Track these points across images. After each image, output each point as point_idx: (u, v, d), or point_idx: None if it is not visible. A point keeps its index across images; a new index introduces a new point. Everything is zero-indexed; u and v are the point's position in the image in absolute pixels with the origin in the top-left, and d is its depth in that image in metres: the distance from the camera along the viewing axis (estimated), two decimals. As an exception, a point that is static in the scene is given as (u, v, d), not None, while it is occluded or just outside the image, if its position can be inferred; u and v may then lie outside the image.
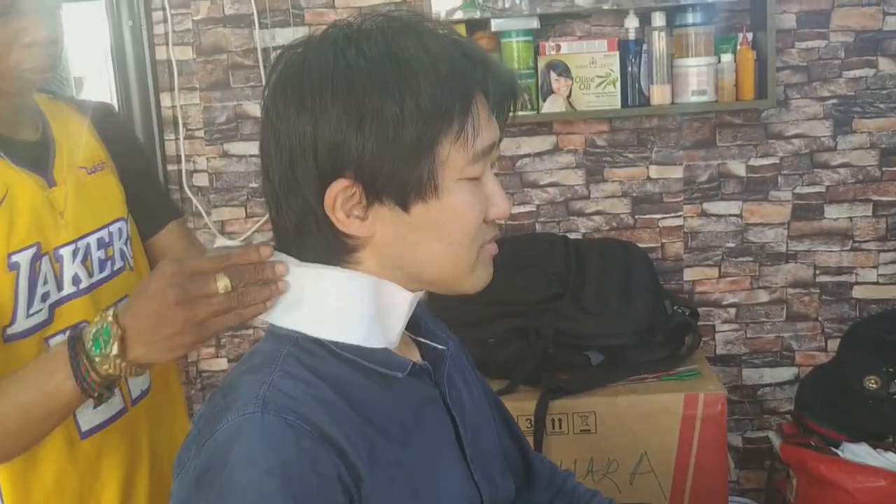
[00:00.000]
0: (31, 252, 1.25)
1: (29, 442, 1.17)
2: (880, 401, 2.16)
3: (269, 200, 0.96)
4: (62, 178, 1.33)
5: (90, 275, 1.34)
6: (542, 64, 2.43)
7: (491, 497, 1.05)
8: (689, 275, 2.61)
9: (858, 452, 2.14)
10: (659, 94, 2.42)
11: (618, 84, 2.42)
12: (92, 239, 1.35)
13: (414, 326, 1.07)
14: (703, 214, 2.58)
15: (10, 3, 1.19)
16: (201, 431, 0.88)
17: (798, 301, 2.60)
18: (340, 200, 0.89)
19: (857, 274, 2.57)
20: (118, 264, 1.40)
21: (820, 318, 2.60)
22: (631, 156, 2.57)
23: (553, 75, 2.42)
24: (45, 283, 1.28)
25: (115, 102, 2.63)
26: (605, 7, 2.41)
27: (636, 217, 2.60)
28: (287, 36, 2.56)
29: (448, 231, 0.92)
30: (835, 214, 2.55)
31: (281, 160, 0.90)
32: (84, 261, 1.33)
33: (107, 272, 1.37)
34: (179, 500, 0.88)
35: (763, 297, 2.60)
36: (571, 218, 2.60)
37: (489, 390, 1.23)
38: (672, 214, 2.59)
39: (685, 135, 2.55)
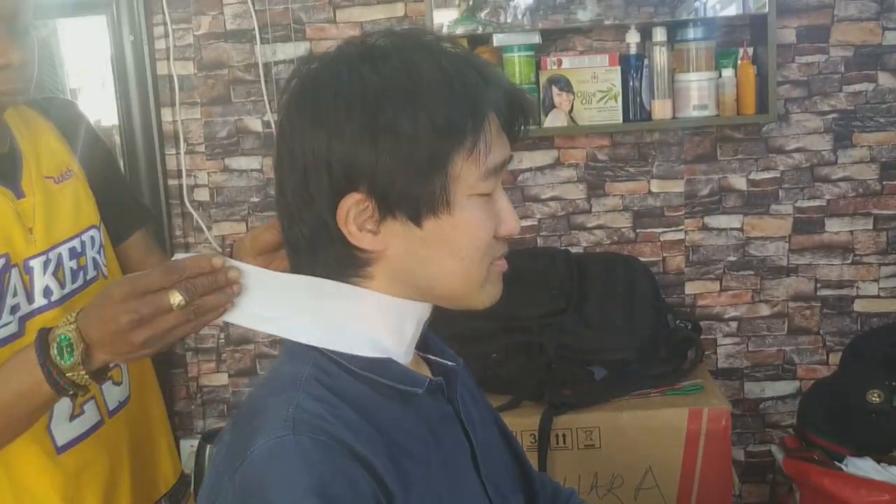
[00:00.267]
0: None
1: (10, 438, 1.17)
2: (883, 415, 2.16)
3: (281, 215, 0.96)
4: (31, 189, 1.31)
5: (62, 286, 1.32)
6: (543, 79, 2.43)
7: None
8: (690, 288, 2.62)
9: (862, 467, 2.14)
10: (660, 109, 2.42)
11: (619, 99, 2.42)
12: (63, 249, 1.34)
13: (422, 344, 1.06)
14: (705, 228, 2.59)
15: None
16: (231, 458, 0.86)
17: (799, 315, 2.60)
18: (353, 214, 0.89)
19: (858, 287, 2.58)
20: (91, 273, 1.39)
21: (821, 332, 2.61)
22: (632, 170, 2.57)
23: (555, 90, 2.42)
24: (15, 294, 1.26)
25: (116, 117, 2.63)
26: (607, 22, 2.42)
27: (637, 231, 2.60)
28: (288, 51, 2.57)
29: (459, 246, 0.93)
30: (836, 228, 2.55)
31: (295, 174, 0.91)
32: (56, 272, 1.32)
33: (79, 282, 1.36)
34: None
35: (764, 310, 2.61)
36: (573, 232, 2.61)
37: (491, 408, 1.23)
38: (673, 228, 2.59)
39: (686, 149, 2.55)
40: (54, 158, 1.39)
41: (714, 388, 2.21)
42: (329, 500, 0.80)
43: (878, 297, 2.58)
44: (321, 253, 0.94)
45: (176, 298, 0.97)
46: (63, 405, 1.27)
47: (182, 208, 2.66)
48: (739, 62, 2.42)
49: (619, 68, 2.42)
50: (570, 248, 2.57)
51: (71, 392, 1.08)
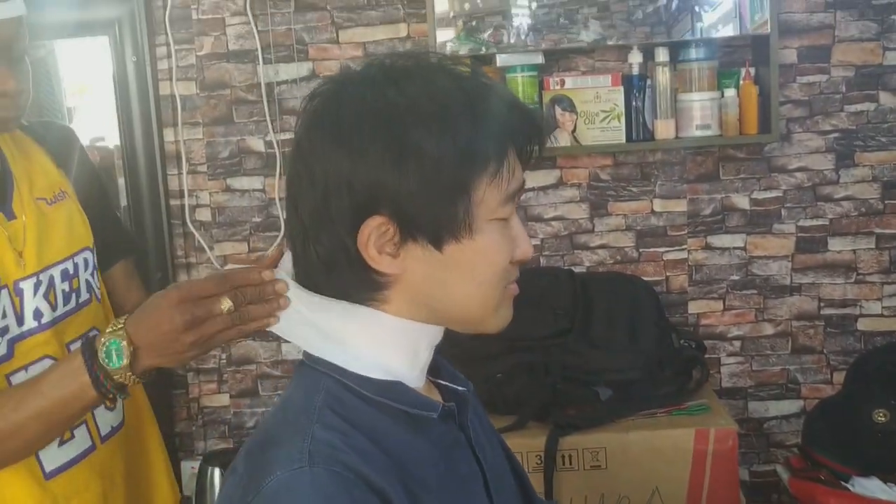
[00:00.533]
0: None
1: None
2: (890, 434, 2.15)
3: (293, 234, 0.94)
4: (22, 211, 1.31)
5: (53, 308, 1.33)
6: (546, 99, 2.44)
7: None
8: (693, 308, 2.61)
9: (869, 487, 2.12)
10: (663, 129, 2.43)
11: (622, 119, 2.43)
12: (55, 270, 1.34)
13: (432, 368, 1.06)
14: (708, 247, 2.59)
15: None
16: (245, 490, 0.85)
17: (803, 333, 2.60)
18: (374, 237, 0.88)
19: (861, 306, 2.58)
20: (84, 296, 1.39)
21: (825, 351, 2.60)
22: (635, 189, 2.58)
23: (558, 110, 2.43)
24: (4, 316, 1.26)
25: (118, 137, 2.63)
26: (610, 42, 2.42)
27: (640, 250, 2.60)
28: (291, 71, 2.57)
29: (479, 271, 0.92)
30: (838, 247, 2.56)
31: (314, 195, 0.89)
32: (47, 294, 1.32)
33: (72, 305, 1.36)
34: None
35: (768, 329, 2.60)
36: (576, 252, 2.60)
37: (495, 430, 1.22)
38: (676, 248, 2.59)
39: (689, 168, 2.56)
40: (47, 180, 1.39)
41: (720, 407, 2.20)
42: None
43: (881, 315, 2.58)
44: (336, 275, 0.93)
45: (226, 304, 1.04)
46: None
47: (184, 228, 2.65)
48: (742, 82, 2.43)
49: (622, 88, 2.43)
50: (573, 268, 2.57)
51: (111, 395, 1.13)
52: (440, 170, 0.87)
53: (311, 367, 0.95)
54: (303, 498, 0.81)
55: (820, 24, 2.48)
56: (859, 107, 2.51)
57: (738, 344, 2.62)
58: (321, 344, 0.95)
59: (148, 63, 2.56)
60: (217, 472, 2.50)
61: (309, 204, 0.90)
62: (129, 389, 1.15)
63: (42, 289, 1.32)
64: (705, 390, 2.28)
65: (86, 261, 1.41)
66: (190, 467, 2.64)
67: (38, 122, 1.53)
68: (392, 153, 0.86)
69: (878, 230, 2.55)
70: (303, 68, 2.57)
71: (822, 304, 2.59)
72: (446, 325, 0.98)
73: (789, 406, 2.63)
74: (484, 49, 2.42)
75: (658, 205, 2.58)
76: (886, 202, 2.53)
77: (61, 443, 1.32)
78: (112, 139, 2.73)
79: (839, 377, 2.56)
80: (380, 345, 0.94)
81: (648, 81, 2.44)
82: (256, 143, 2.62)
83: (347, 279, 0.92)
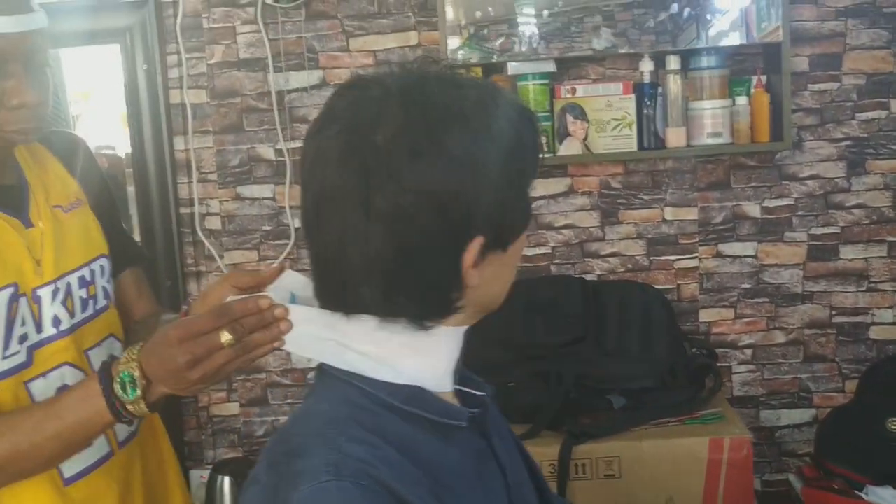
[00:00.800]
0: (7, 292, 1.24)
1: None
2: (904, 443, 2.15)
3: (379, 269, 0.86)
4: (39, 219, 1.32)
5: (71, 315, 1.33)
6: (557, 107, 2.44)
7: None
8: (704, 316, 2.61)
9: (884, 496, 2.12)
10: (674, 137, 2.43)
11: (634, 127, 2.43)
12: (73, 278, 1.34)
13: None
14: (719, 256, 2.58)
15: None
16: (270, 501, 0.85)
17: (815, 342, 2.59)
18: (474, 256, 0.88)
19: (873, 315, 2.57)
20: (101, 303, 1.39)
21: (837, 359, 2.60)
22: (646, 197, 2.57)
23: (569, 118, 2.43)
24: (23, 324, 1.26)
25: (128, 145, 2.63)
26: (622, 51, 2.43)
27: (651, 259, 2.59)
28: (301, 79, 2.57)
29: (518, 256, 0.96)
30: (850, 255, 2.55)
31: (423, 215, 0.84)
32: (65, 301, 1.32)
33: (89, 311, 1.37)
34: None
35: (779, 338, 2.60)
36: (587, 260, 2.60)
37: (513, 434, 1.21)
38: (687, 256, 2.59)
39: (699, 176, 2.56)
40: (63, 188, 1.40)
41: (734, 416, 2.20)
42: None
43: (893, 324, 2.57)
44: (425, 297, 0.90)
45: (226, 337, 1.04)
46: None
47: (194, 237, 2.64)
48: (753, 90, 2.43)
49: (633, 96, 2.43)
50: (584, 276, 2.56)
51: (126, 419, 1.15)
52: (527, 184, 0.92)
53: (334, 376, 0.94)
54: None
55: (831, 32, 2.48)
56: (871, 115, 2.50)
57: (749, 352, 2.61)
58: (342, 356, 0.94)
59: (159, 71, 2.56)
60: (227, 480, 2.50)
61: (409, 222, 0.84)
62: (144, 415, 1.16)
63: (60, 296, 1.32)
64: (718, 399, 2.27)
65: (102, 268, 1.41)
66: (199, 476, 2.63)
67: (51, 131, 1.53)
68: (502, 173, 0.87)
69: (889, 238, 2.54)
70: (313, 76, 2.57)
71: (833, 313, 2.58)
72: (477, 317, 0.98)
73: (801, 415, 2.62)
74: (495, 57, 2.42)
75: (669, 213, 2.58)
76: (898, 210, 2.54)
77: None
78: (119, 146, 2.73)
79: (851, 386, 2.55)
80: (420, 354, 0.93)
81: (659, 89, 2.44)
82: (267, 152, 2.62)
83: (432, 302, 0.90)
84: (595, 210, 2.58)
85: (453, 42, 2.43)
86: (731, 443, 2.07)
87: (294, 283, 1.09)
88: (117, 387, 1.13)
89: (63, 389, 1.30)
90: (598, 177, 2.57)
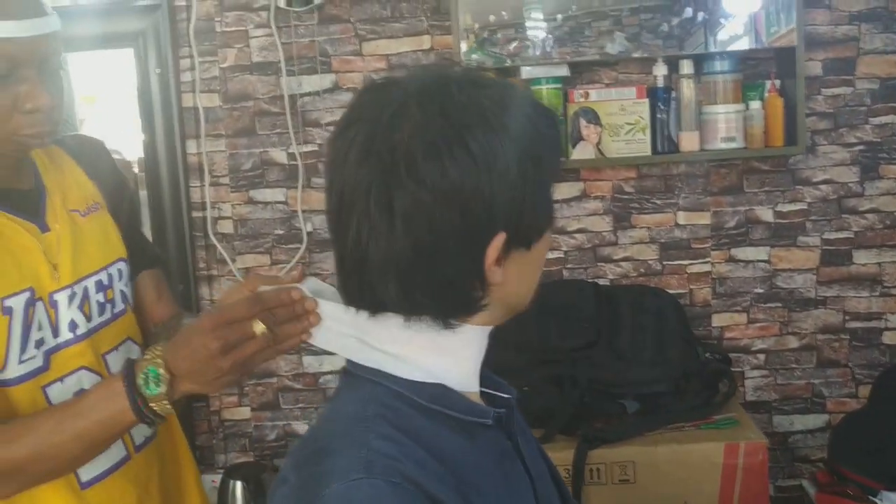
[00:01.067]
0: (24, 297, 1.25)
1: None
2: (919, 449, 2.14)
3: (376, 248, 0.86)
4: (56, 223, 1.32)
5: (88, 319, 1.33)
6: (571, 111, 2.44)
7: None
8: (717, 321, 2.60)
9: (899, 501, 2.11)
10: (688, 141, 2.42)
11: (647, 131, 2.42)
12: (90, 282, 1.34)
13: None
14: (731, 260, 2.58)
15: (12, 69, 1.20)
16: (299, 500, 0.84)
17: (828, 347, 2.58)
18: (495, 255, 0.88)
19: (886, 319, 2.56)
20: (119, 307, 1.40)
21: (850, 364, 2.59)
22: (658, 202, 2.57)
23: (582, 122, 2.43)
24: (40, 328, 1.27)
25: (134, 148, 2.63)
26: (636, 55, 2.42)
27: (664, 263, 2.59)
28: (314, 83, 2.57)
29: (543, 257, 0.96)
30: (863, 260, 2.55)
31: (446, 214, 0.84)
32: (82, 305, 1.32)
33: (107, 315, 1.37)
34: None
35: (793, 343, 2.59)
36: (599, 264, 2.60)
37: (538, 442, 1.21)
38: (700, 260, 2.58)
39: (712, 181, 2.55)
40: (81, 192, 1.40)
41: (749, 421, 2.19)
42: None
43: (906, 329, 2.57)
44: (446, 295, 0.89)
45: (259, 327, 1.06)
46: None
47: (206, 240, 2.64)
48: (767, 94, 2.42)
49: (647, 101, 2.42)
50: (596, 281, 2.56)
51: (149, 419, 1.15)
52: (550, 182, 0.91)
53: (359, 376, 0.94)
54: None
55: (845, 36, 2.48)
56: (884, 119, 2.50)
57: (762, 357, 2.60)
58: (367, 353, 0.94)
59: (172, 75, 2.56)
60: (239, 485, 2.49)
61: (426, 220, 0.84)
62: (166, 415, 1.17)
63: (77, 300, 1.32)
64: (732, 404, 2.26)
65: (120, 271, 1.41)
66: (211, 480, 2.62)
67: (70, 135, 1.53)
68: (525, 171, 0.86)
69: (903, 243, 2.54)
70: (326, 80, 2.57)
71: (847, 318, 2.57)
72: (504, 318, 0.97)
73: (814, 420, 2.61)
74: (509, 61, 2.42)
75: (682, 217, 2.57)
76: (912, 215, 2.53)
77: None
78: (125, 150, 2.72)
79: (864, 391, 2.54)
80: (448, 355, 0.93)
81: (673, 94, 2.44)
82: (279, 155, 2.62)
83: (456, 298, 0.90)
84: (608, 214, 2.58)
85: (465, 46, 2.43)
86: (747, 448, 2.06)
87: (314, 288, 1.08)
88: (140, 383, 1.13)
89: (80, 394, 1.30)
90: (610, 181, 2.57)
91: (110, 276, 1.39)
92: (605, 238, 2.59)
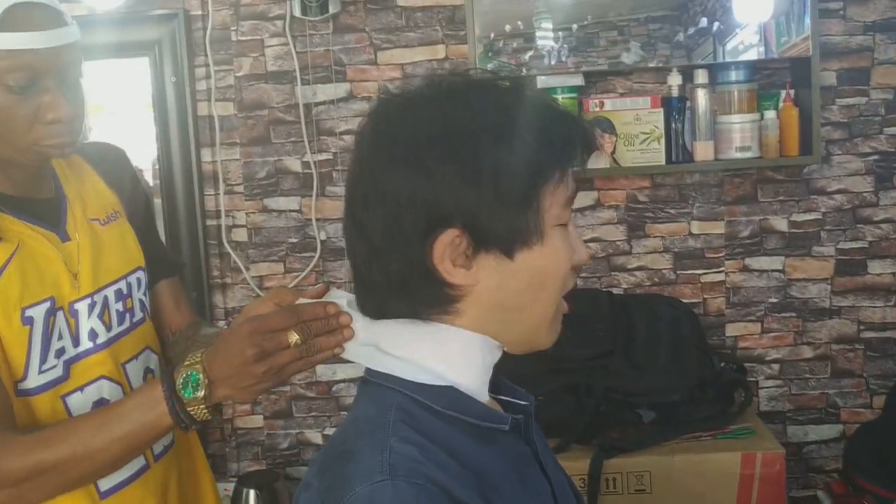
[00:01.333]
0: (45, 306, 1.25)
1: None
2: (935, 459, 2.13)
3: (357, 258, 0.95)
4: (75, 232, 1.33)
5: (108, 329, 1.33)
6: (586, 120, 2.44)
7: None
8: (731, 330, 2.60)
9: (916, 512, 2.10)
10: (702, 151, 2.43)
11: (662, 140, 2.43)
12: (110, 291, 1.35)
13: (492, 385, 1.05)
14: (746, 270, 2.58)
15: (33, 80, 1.20)
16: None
17: (842, 357, 2.58)
18: (448, 251, 0.89)
19: (901, 330, 2.56)
20: (138, 316, 1.40)
21: (865, 375, 2.58)
22: (672, 211, 2.57)
23: (597, 132, 2.43)
24: (60, 338, 1.27)
25: (155, 156, 2.64)
26: (651, 65, 2.43)
27: (678, 272, 2.59)
28: (329, 92, 2.58)
29: (547, 276, 0.93)
30: (878, 270, 2.54)
31: (384, 214, 0.90)
32: (102, 314, 1.33)
33: (126, 325, 1.37)
34: None
35: (807, 353, 2.59)
36: (613, 273, 2.60)
37: (551, 450, 1.21)
38: (714, 270, 2.58)
39: (726, 190, 2.55)
40: (100, 201, 1.40)
41: (765, 431, 2.19)
42: None
43: (921, 339, 2.56)
44: (407, 293, 0.93)
45: (293, 337, 1.08)
46: None
47: (220, 249, 2.65)
48: (782, 104, 2.43)
49: (661, 110, 2.43)
50: (610, 290, 2.56)
51: (184, 424, 1.17)
52: (511, 182, 0.89)
53: (378, 384, 0.95)
54: None
55: (859, 46, 2.48)
56: (899, 129, 2.51)
57: (776, 367, 2.60)
58: (380, 358, 0.96)
59: (187, 83, 2.57)
60: (252, 493, 2.49)
61: (379, 224, 0.91)
62: (202, 420, 1.18)
63: (97, 309, 1.33)
64: (748, 413, 2.26)
65: (139, 280, 1.42)
66: (223, 489, 2.62)
67: (90, 143, 1.54)
68: (463, 169, 0.88)
69: (918, 253, 2.54)
70: (340, 89, 2.58)
71: (861, 328, 2.57)
72: (509, 338, 0.97)
73: (829, 430, 2.61)
74: (524, 71, 2.42)
75: (696, 227, 2.57)
76: (927, 225, 2.53)
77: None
78: (139, 158, 2.73)
79: (879, 401, 2.54)
80: (449, 359, 0.94)
81: (688, 103, 2.44)
82: (294, 164, 2.62)
83: (419, 296, 0.92)
84: (622, 224, 2.58)
85: (484, 56, 2.44)
86: (764, 458, 2.06)
87: (338, 299, 1.10)
88: (179, 387, 1.15)
89: (100, 403, 1.31)
90: (624, 190, 2.57)
91: (129, 285, 1.39)
92: (619, 247, 2.59)
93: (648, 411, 2.21)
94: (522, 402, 1.05)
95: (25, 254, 1.25)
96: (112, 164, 1.47)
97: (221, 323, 2.63)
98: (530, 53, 2.42)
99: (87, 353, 1.31)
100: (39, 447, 1.17)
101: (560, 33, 2.43)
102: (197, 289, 2.62)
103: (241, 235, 2.66)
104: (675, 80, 2.44)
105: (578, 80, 2.43)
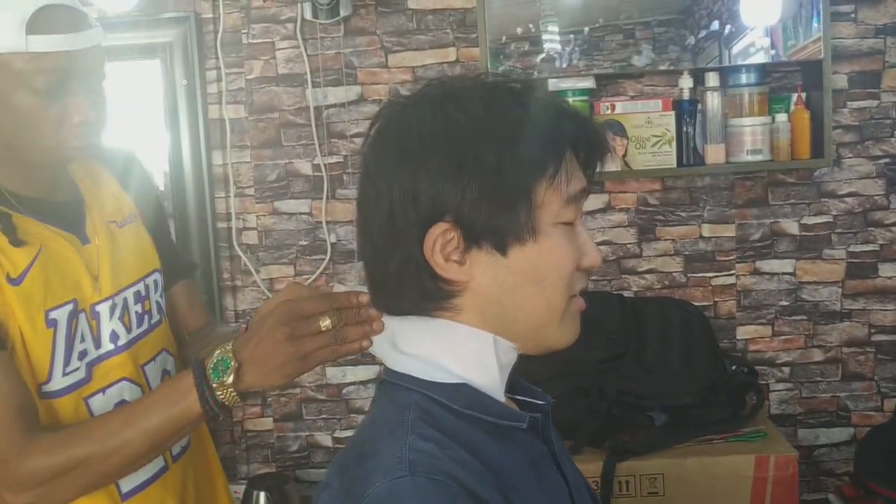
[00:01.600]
0: (68, 309, 1.26)
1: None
2: (948, 462, 2.13)
3: (366, 255, 0.97)
4: (95, 235, 1.33)
5: (128, 330, 1.34)
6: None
7: None
8: (742, 333, 2.60)
9: (928, 516, 2.10)
10: (713, 154, 2.43)
11: (674, 143, 2.43)
12: (129, 293, 1.35)
13: (509, 385, 1.06)
14: (756, 272, 2.58)
15: (59, 84, 1.20)
16: (344, 502, 0.86)
17: (853, 360, 2.58)
18: (439, 245, 0.91)
19: (912, 333, 2.56)
20: (155, 318, 1.41)
21: (876, 378, 2.58)
22: (683, 214, 2.57)
23: (609, 135, 2.43)
24: (83, 340, 1.28)
25: (167, 159, 2.64)
26: (662, 67, 2.43)
27: (688, 275, 2.59)
28: (339, 95, 2.58)
29: (544, 274, 0.93)
30: (889, 273, 2.54)
31: (381, 211, 0.93)
32: (122, 316, 1.34)
33: (145, 326, 1.38)
34: None
35: (818, 355, 2.58)
36: (623, 276, 2.60)
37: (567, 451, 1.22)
38: (724, 273, 2.58)
39: (737, 193, 2.55)
40: (116, 203, 1.41)
41: (778, 434, 2.18)
42: None
43: (933, 342, 2.56)
44: (407, 288, 0.94)
45: (325, 322, 1.10)
46: None
47: (230, 251, 2.65)
48: (794, 107, 2.43)
49: (673, 113, 2.43)
50: (621, 293, 2.55)
51: (212, 413, 1.16)
52: (499, 176, 0.90)
53: (394, 384, 0.96)
54: None
55: (870, 49, 2.48)
56: (910, 132, 2.51)
57: (787, 370, 2.60)
58: (395, 356, 0.97)
59: (198, 86, 2.57)
60: (262, 496, 2.49)
61: (378, 221, 0.93)
62: (232, 409, 1.17)
63: (118, 311, 1.33)
64: (760, 416, 2.26)
65: (156, 282, 1.42)
66: (233, 491, 2.61)
67: (102, 145, 1.54)
68: (452, 164, 0.90)
69: (929, 256, 2.54)
70: (351, 92, 2.59)
71: (872, 331, 2.57)
72: (515, 337, 0.97)
73: (840, 434, 2.60)
74: (535, 74, 2.42)
75: (706, 230, 2.57)
76: (937, 228, 2.53)
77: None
78: (148, 160, 2.73)
79: (890, 404, 2.54)
80: (458, 355, 0.95)
81: (699, 106, 2.44)
82: (304, 167, 2.63)
83: (419, 291, 0.94)
84: (632, 226, 2.58)
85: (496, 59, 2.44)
86: (777, 461, 2.05)
87: None
88: (209, 372, 1.14)
89: (121, 405, 1.31)
90: (635, 193, 2.57)
91: (147, 287, 1.40)
92: (630, 250, 2.59)
93: (660, 414, 2.21)
94: (539, 402, 1.05)
95: (48, 256, 1.25)
96: (125, 166, 1.48)
97: (233, 325, 2.63)
98: (541, 56, 2.42)
99: (109, 354, 1.31)
100: (69, 442, 1.18)
101: (569, 36, 2.43)
102: (207, 291, 2.62)
103: (251, 238, 2.66)
104: (686, 82, 2.44)
105: (590, 83, 2.43)
